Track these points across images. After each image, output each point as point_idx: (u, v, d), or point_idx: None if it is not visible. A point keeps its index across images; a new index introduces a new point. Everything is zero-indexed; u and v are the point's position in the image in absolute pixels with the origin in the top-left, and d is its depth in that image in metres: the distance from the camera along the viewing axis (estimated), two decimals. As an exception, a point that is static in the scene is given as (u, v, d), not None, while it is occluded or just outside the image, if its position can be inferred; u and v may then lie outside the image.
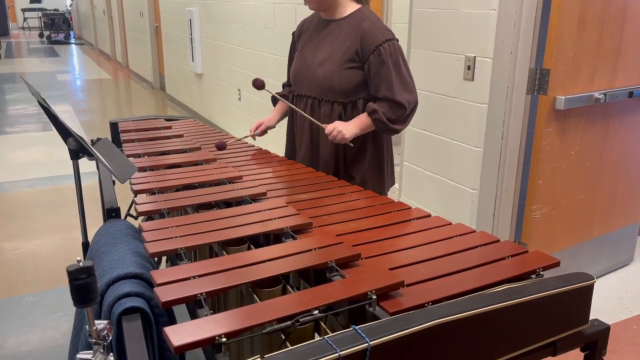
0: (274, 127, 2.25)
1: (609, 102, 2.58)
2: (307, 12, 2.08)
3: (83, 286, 0.87)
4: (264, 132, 2.23)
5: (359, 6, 1.99)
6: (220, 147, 2.15)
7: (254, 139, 2.27)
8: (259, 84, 2.05)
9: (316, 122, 1.99)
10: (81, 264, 0.87)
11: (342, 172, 2.04)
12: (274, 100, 2.28)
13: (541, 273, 1.18)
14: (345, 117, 1.97)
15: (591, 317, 1.18)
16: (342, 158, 2.03)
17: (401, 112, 1.92)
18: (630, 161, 2.88)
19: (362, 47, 1.91)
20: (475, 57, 2.42)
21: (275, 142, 2.75)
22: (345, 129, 1.91)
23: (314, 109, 2.03)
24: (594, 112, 2.59)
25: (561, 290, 1.09)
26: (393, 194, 2.51)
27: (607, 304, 2.72)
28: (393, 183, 2.19)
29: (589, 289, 1.14)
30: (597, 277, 2.93)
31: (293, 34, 2.20)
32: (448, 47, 2.57)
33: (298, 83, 2.09)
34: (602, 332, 1.18)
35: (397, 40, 1.94)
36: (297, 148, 2.16)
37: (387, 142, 2.10)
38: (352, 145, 1.96)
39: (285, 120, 2.26)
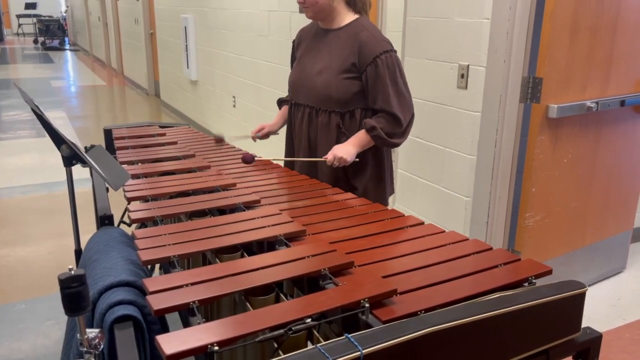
0: (276, 133, 2.23)
1: (601, 110, 2.60)
2: (302, 20, 2.09)
3: (74, 295, 0.87)
4: (266, 136, 2.22)
5: (356, 16, 1.99)
6: (248, 160, 2.08)
7: (254, 141, 2.24)
8: (248, 159, 2.07)
9: (315, 159, 2.01)
10: (73, 272, 0.87)
11: (343, 183, 2.02)
12: (279, 104, 2.28)
13: (534, 281, 1.19)
14: (344, 126, 1.98)
15: (584, 324, 1.18)
16: (342, 169, 2.02)
17: (398, 126, 1.93)
18: (622, 169, 2.90)
19: (359, 58, 1.91)
20: (468, 65, 2.43)
21: (276, 148, 2.74)
22: (345, 153, 1.90)
23: (311, 119, 2.04)
24: (587, 121, 2.61)
25: (553, 299, 1.10)
26: (387, 201, 2.51)
27: (600, 311, 2.73)
28: (393, 191, 2.19)
29: (581, 297, 1.15)
30: (590, 285, 2.94)
31: (293, 42, 2.21)
32: (442, 56, 2.58)
33: (296, 92, 2.09)
34: (594, 341, 1.19)
35: (395, 51, 1.94)
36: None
37: (387, 151, 2.10)
38: (357, 160, 1.96)
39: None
